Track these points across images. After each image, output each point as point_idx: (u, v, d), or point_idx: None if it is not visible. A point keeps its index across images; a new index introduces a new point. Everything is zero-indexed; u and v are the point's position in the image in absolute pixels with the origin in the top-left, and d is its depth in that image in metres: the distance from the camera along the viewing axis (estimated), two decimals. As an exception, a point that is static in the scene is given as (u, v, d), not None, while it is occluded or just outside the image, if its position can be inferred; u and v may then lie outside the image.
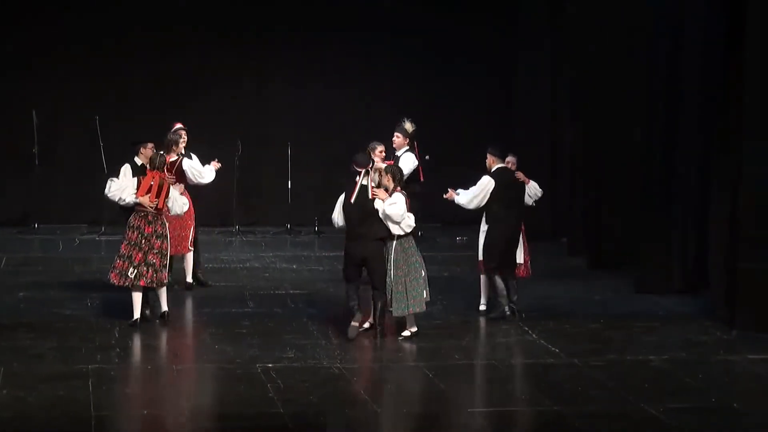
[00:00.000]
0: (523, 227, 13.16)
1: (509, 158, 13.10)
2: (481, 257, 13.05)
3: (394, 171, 12.13)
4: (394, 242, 11.94)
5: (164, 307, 12.52)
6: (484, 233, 13.00)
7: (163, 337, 12.13)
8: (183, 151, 13.98)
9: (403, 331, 12.10)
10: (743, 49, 12.48)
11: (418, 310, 12.04)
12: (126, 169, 12.98)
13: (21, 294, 13.83)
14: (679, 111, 14.34)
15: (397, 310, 11.98)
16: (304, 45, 19.21)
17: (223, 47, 19.20)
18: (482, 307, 13.14)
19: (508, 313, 12.84)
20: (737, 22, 12.74)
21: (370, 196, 11.90)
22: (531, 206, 13.33)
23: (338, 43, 19.16)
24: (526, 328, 12.54)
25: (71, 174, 18.91)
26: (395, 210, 11.80)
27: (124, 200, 12.46)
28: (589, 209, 16.64)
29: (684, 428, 9.44)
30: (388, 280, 11.91)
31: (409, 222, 11.93)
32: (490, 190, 12.86)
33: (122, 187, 12.53)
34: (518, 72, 18.93)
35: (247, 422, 9.62)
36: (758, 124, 12.34)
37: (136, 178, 12.55)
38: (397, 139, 14.04)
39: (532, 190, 13.17)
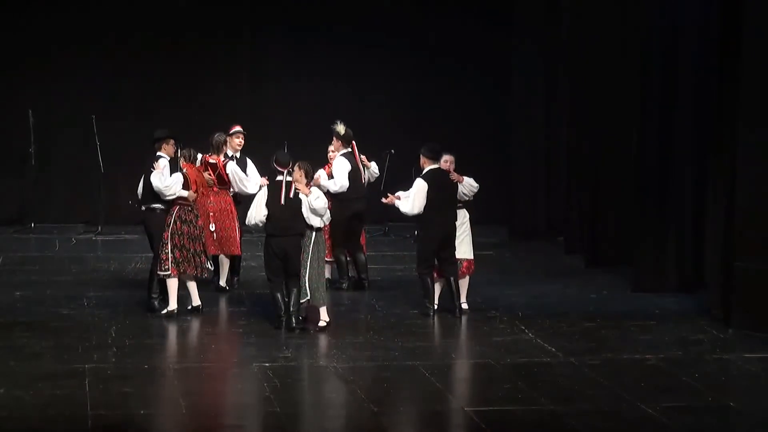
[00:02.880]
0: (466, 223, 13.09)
1: (446, 157, 12.97)
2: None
3: (307, 167, 12.34)
4: (314, 234, 12.22)
5: (197, 301, 12.84)
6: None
7: (160, 337, 12.12)
8: (238, 155, 14.11)
9: (318, 322, 12.27)
10: (739, 47, 12.48)
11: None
12: (166, 163, 12.88)
13: (18, 293, 13.83)
14: (674, 110, 14.35)
15: (319, 300, 12.21)
16: (299, 45, 19.21)
17: (219, 47, 19.21)
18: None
19: (431, 314, 12.87)
20: (733, 20, 12.74)
21: (291, 194, 12.17)
22: (469, 200, 13.13)
23: (332, 42, 19.15)
24: (523, 327, 12.55)
25: (68, 173, 18.91)
26: (321, 203, 12.14)
27: (174, 194, 12.68)
28: (585, 208, 16.64)
29: (680, 427, 9.45)
30: (309, 271, 12.14)
31: (328, 215, 12.34)
32: (425, 193, 12.74)
33: (176, 182, 12.69)
34: (513, 72, 18.92)
35: (244, 422, 9.64)
36: (754, 123, 12.34)
37: (179, 173, 12.74)
38: (334, 142, 14.06)
39: (467, 187, 13.01)
